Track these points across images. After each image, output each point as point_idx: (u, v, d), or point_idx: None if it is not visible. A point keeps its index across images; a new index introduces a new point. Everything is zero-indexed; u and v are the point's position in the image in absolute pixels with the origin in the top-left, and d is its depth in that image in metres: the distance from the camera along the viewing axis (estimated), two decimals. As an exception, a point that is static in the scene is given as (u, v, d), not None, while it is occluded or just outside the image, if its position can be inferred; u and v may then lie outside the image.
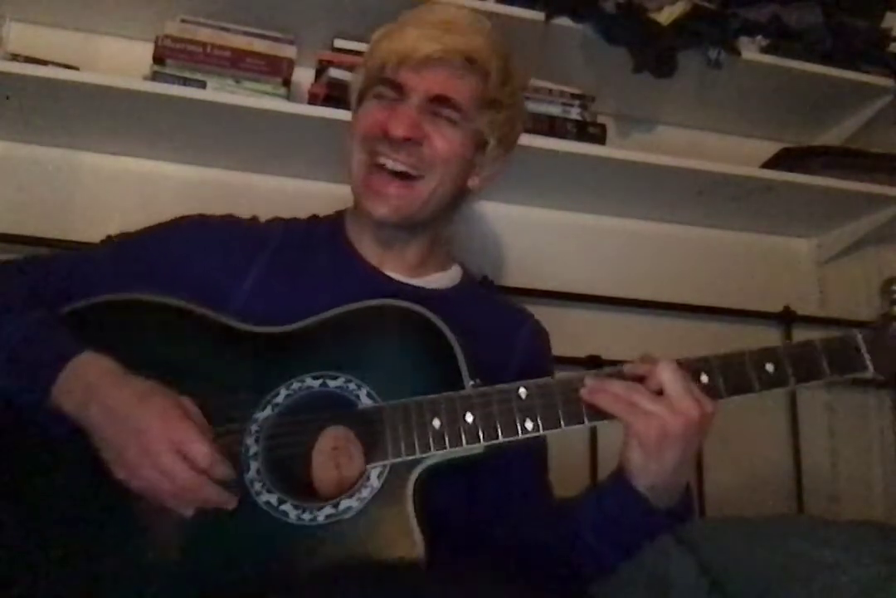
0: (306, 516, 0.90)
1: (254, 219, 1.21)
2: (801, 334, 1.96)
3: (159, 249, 1.12)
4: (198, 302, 1.03)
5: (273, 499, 0.91)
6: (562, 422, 0.93)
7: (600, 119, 1.77)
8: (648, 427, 0.90)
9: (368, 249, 1.16)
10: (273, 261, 1.12)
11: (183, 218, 1.17)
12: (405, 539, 0.88)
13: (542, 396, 0.94)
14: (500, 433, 0.92)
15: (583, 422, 0.94)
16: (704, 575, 1.34)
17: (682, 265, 1.95)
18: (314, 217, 1.25)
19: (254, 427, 0.94)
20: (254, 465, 0.92)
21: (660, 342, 1.86)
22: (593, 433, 1.71)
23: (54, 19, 1.63)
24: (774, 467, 1.87)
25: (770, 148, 1.93)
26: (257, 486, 0.91)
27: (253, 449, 0.93)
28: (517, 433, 0.93)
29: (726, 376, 0.96)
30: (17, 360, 0.94)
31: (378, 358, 0.98)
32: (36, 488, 0.93)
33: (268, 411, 0.95)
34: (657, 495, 0.95)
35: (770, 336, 1.96)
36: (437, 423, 0.92)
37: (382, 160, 1.08)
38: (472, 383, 0.95)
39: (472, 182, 1.17)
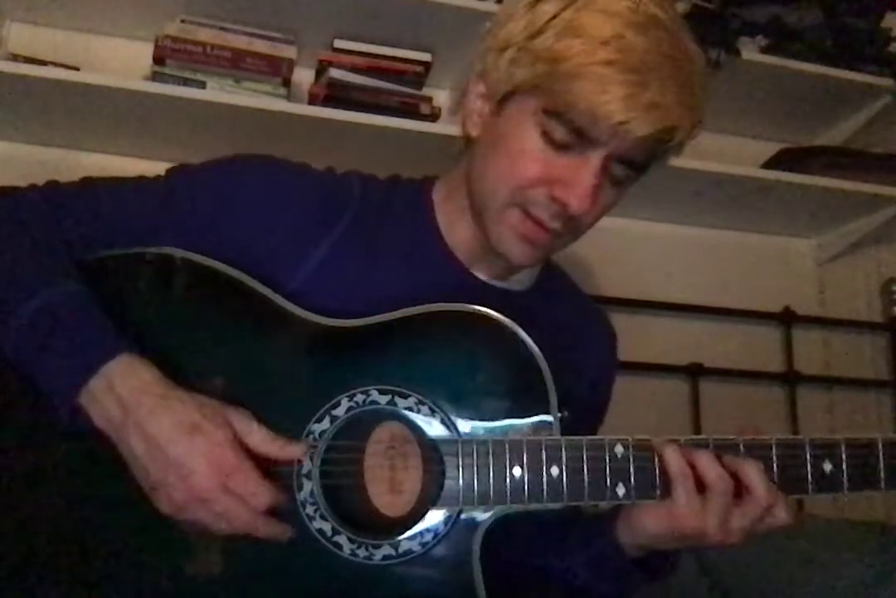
0: (361, 552, 0.82)
1: (330, 170, 1.03)
2: (801, 334, 1.97)
3: (217, 197, 0.95)
4: (252, 273, 0.90)
5: (327, 527, 0.83)
6: (657, 491, 0.83)
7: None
8: (690, 522, 0.83)
9: (463, 244, 0.99)
10: (350, 230, 0.96)
11: (252, 161, 0.99)
12: (466, 593, 0.82)
13: (639, 459, 0.84)
14: (586, 495, 0.83)
15: None
16: (705, 575, 1.35)
17: (681, 265, 1.95)
18: (395, 178, 1.05)
19: (309, 441, 0.84)
20: (307, 485, 0.84)
21: (659, 342, 1.87)
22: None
23: (54, 19, 1.63)
24: (774, 467, 1.87)
25: (770, 148, 1.93)
26: (310, 509, 0.83)
27: (307, 467, 0.84)
28: (605, 498, 0.84)
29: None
30: (35, 344, 0.81)
31: (457, 377, 0.87)
32: (53, 498, 0.84)
33: (325, 424, 0.85)
34: (641, 550, 0.90)
35: (770, 336, 1.96)
36: (517, 472, 0.83)
37: (536, 214, 0.89)
38: (559, 414, 0.85)
39: None
